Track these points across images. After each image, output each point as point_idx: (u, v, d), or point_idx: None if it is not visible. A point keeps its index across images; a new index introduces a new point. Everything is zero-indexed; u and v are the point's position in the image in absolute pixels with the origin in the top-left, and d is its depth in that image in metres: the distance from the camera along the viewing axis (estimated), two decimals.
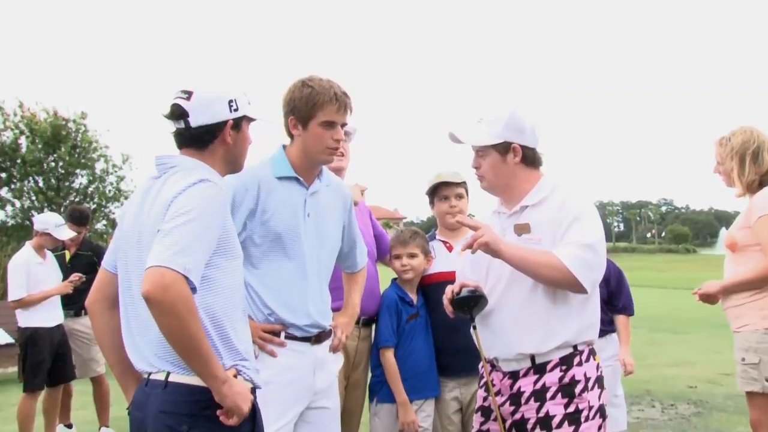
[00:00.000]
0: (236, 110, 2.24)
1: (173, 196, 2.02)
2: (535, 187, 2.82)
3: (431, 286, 3.75)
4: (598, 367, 2.78)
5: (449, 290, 2.83)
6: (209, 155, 2.23)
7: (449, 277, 3.35)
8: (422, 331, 3.72)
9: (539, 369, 2.70)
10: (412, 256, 3.72)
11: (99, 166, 18.58)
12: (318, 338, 2.85)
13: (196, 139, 2.21)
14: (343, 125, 2.86)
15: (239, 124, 2.26)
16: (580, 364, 2.71)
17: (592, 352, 2.78)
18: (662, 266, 57.95)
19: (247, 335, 2.23)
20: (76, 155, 17.98)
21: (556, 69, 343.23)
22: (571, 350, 2.71)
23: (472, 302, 2.75)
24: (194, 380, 2.00)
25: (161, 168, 2.20)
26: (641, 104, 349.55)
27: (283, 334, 2.76)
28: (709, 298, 3.65)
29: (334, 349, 2.98)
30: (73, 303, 6.33)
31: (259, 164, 2.82)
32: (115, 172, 18.79)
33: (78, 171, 18.26)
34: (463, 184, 3.86)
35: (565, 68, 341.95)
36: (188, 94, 2.20)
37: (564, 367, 2.68)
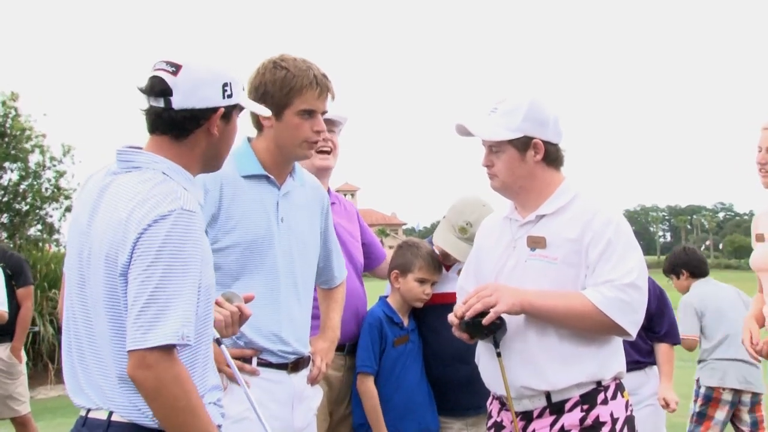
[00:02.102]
0: (230, 96, 2.19)
1: (137, 233, 1.98)
2: (554, 192, 2.83)
3: (426, 310, 3.73)
4: (627, 405, 2.78)
5: (459, 310, 2.82)
6: (188, 147, 2.19)
7: (446, 300, 3.35)
8: (414, 360, 3.71)
9: (556, 408, 2.71)
10: (434, 283, 3.73)
11: (33, 158, 18.43)
12: (296, 366, 2.84)
13: (176, 125, 2.16)
14: (323, 113, 2.85)
15: (230, 113, 2.22)
16: (605, 402, 2.71)
17: (619, 388, 2.79)
18: None
19: (214, 366, 2.25)
20: (5, 145, 17.89)
21: (590, 53, 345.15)
22: (594, 385, 2.71)
23: (494, 325, 2.74)
24: (141, 419, 2.04)
25: (123, 165, 2.15)
26: (695, 92, 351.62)
27: (255, 360, 2.74)
28: None
29: (313, 381, 2.97)
30: None
31: None
32: (54, 166, 18.67)
33: (7, 164, 18.16)
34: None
35: (603, 51, 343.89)
36: (175, 68, 2.14)
37: (585, 406, 2.69)
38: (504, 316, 2.75)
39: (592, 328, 2.68)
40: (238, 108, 2.26)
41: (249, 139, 2.91)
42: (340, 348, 3.59)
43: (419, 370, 3.72)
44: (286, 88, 2.74)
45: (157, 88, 2.14)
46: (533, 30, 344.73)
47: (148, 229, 1.98)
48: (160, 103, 2.14)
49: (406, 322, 3.75)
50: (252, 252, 2.74)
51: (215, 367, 2.26)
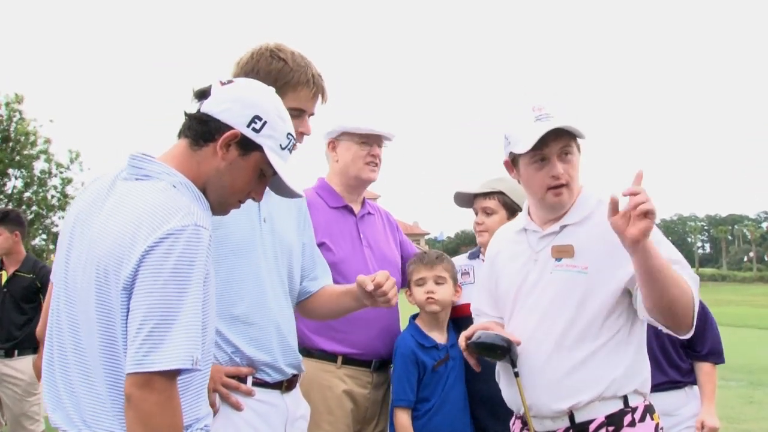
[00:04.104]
0: (255, 131, 2.19)
1: (147, 245, 1.96)
2: (577, 200, 2.81)
3: (464, 320, 3.68)
4: (657, 428, 2.77)
5: (469, 331, 2.86)
6: (197, 161, 2.19)
7: (467, 312, 3.33)
8: (457, 377, 3.67)
9: (579, 430, 2.70)
10: (439, 281, 3.67)
11: (39, 165, 18.56)
12: (290, 384, 2.82)
13: (193, 126, 2.20)
14: (311, 115, 2.84)
15: (248, 149, 2.20)
16: (632, 424, 2.70)
17: (648, 410, 2.77)
18: (763, 300, 57.26)
19: (206, 395, 2.24)
20: (9, 150, 17.98)
21: (627, 54, 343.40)
22: (620, 406, 2.70)
23: (506, 345, 2.75)
24: None
25: (133, 172, 2.16)
26: (735, 94, 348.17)
27: (250, 380, 2.70)
28: None
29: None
30: (3, 340, 6.35)
31: None
32: (60, 173, 18.77)
33: (11, 171, 18.26)
34: (496, 195, 3.80)
35: (641, 51, 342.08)
36: (229, 83, 2.25)
37: (611, 429, 2.69)
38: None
39: (680, 304, 2.51)
40: (261, 154, 2.21)
41: None
42: (366, 364, 3.65)
43: (463, 388, 3.69)
44: (281, 81, 2.69)
45: (201, 91, 2.23)
46: (564, 31, 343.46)
47: (160, 243, 1.96)
48: (196, 105, 2.22)
49: (442, 339, 3.70)
50: (237, 256, 2.68)
51: (207, 395, 2.23)
